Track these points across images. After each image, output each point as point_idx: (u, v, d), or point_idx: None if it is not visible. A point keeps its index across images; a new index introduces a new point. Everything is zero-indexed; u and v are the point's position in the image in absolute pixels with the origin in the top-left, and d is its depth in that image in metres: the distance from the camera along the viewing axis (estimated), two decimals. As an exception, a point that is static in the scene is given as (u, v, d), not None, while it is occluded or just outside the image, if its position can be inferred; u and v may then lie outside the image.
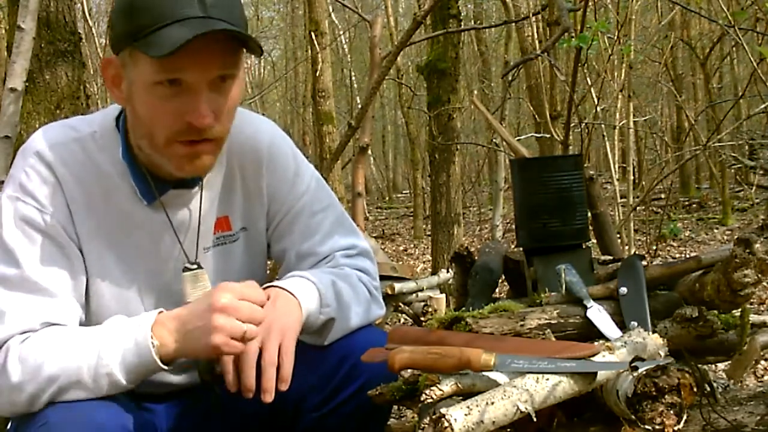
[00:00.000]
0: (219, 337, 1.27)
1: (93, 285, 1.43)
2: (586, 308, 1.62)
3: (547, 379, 1.20)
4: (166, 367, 1.29)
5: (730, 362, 1.59)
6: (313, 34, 7.84)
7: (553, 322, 1.60)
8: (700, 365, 1.48)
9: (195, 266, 1.47)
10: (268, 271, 1.71)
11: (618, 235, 4.64)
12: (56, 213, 1.38)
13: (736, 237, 1.50)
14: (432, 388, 1.22)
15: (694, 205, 12.06)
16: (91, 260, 1.42)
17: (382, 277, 2.92)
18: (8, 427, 1.36)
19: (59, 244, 1.38)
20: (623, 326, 1.58)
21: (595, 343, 1.35)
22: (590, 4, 3.38)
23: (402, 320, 4.25)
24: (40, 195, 1.37)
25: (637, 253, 2.82)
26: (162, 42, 1.24)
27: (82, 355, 1.27)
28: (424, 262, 8.60)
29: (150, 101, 1.32)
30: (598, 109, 5.64)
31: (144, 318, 1.31)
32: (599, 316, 1.60)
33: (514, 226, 1.95)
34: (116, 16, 1.33)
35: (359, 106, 4.64)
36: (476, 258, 2.05)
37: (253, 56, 1.44)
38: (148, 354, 1.27)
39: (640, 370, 1.24)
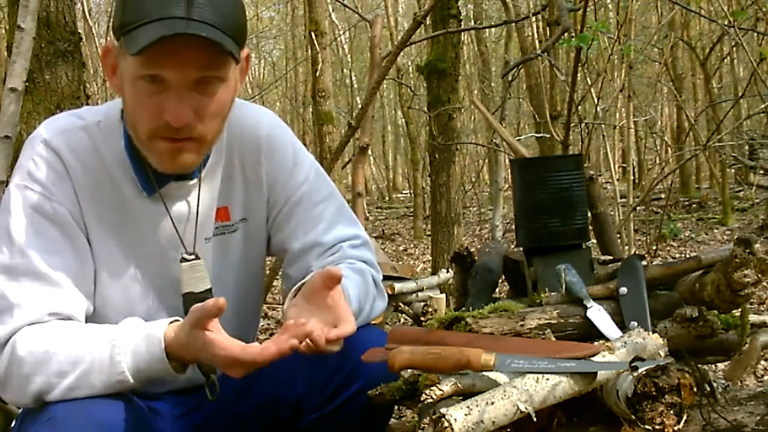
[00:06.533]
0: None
1: (98, 273, 1.44)
2: (586, 308, 1.62)
3: (547, 379, 1.20)
4: (176, 373, 1.31)
5: (729, 363, 1.59)
6: (313, 34, 7.83)
7: (553, 322, 1.60)
8: (700, 365, 1.48)
9: (192, 257, 1.48)
10: (267, 271, 1.71)
11: (618, 235, 4.64)
12: (64, 200, 1.39)
13: (736, 237, 1.50)
14: (432, 388, 1.22)
15: (694, 205, 12.05)
16: (97, 248, 1.43)
17: (382, 278, 2.93)
18: (12, 425, 1.37)
19: (67, 233, 1.39)
20: (623, 326, 1.58)
21: (595, 343, 1.35)
22: (590, 4, 3.38)
23: (402, 320, 4.25)
24: (48, 182, 1.38)
25: (637, 253, 2.81)
26: (139, 39, 1.26)
27: (94, 352, 1.28)
28: (424, 262, 8.59)
29: (134, 95, 1.33)
30: (598, 109, 5.63)
31: (158, 324, 1.32)
32: (599, 316, 1.60)
33: (514, 226, 1.95)
34: (115, 7, 1.36)
35: (359, 106, 4.64)
36: (476, 258, 2.05)
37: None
38: (162, 359, 1.28)
39: (640, 370, 1.24)
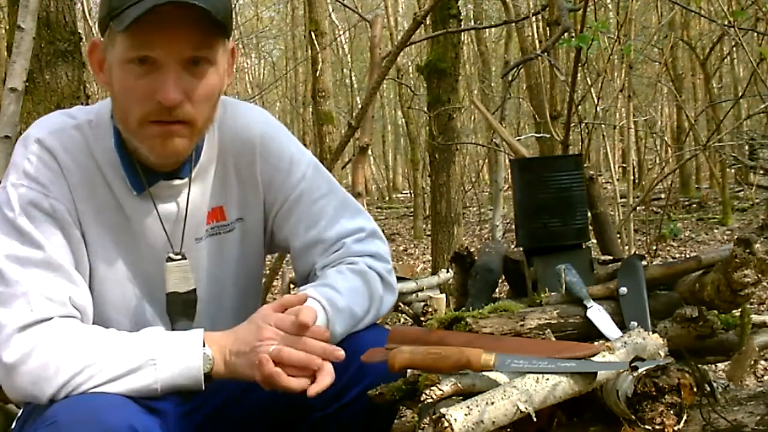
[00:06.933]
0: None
1: (93, 271, 1.44)
2: (586, 308, 1.62)
3: (547, 379, 1.20)
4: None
5: (729, 363, 1.59)
6: (313, 34, 7.84)
7: (553, 322, 1.60)
8: (700, 365, 1.48)
9: (179, 257, 1.48)
10: (267, 271, 1.71)
11: (618, 235, 4.64)
12: (61, 197, 1.39)
13: (736, 237, 1.50)
14: (432, 388, 1.22)
15: (694, 205, 12.05)
16: (92, 246, 1.44)
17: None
18: (13, 426, 1.36)
19: (65, 229, 1.39)
20: (623, 326, 1.58)
21: (595, 343, 1.35)
22: (590, 4, 3.38)
23: (402, 320, 4.25)
24: (44, 180, 1.39)
25: (637, 253, 2.81)
26: (129, 16, 1.27)
27: (129, 356, 1.30)
28: (424, 262, 8.59)
29: (124, 80, 1.33)
30: (598, 109, 5.64)
31: (196, 340, 1.34)
32: (599, 316, 1.60)
33: (514, 226, 1.95)
34: (101, 2, 1.36)
35: (359, 106, 4.64)
36: (476, 258, 2.05)
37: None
38: (198, 381, 1.32)
39: (640, 370, 1.24)
